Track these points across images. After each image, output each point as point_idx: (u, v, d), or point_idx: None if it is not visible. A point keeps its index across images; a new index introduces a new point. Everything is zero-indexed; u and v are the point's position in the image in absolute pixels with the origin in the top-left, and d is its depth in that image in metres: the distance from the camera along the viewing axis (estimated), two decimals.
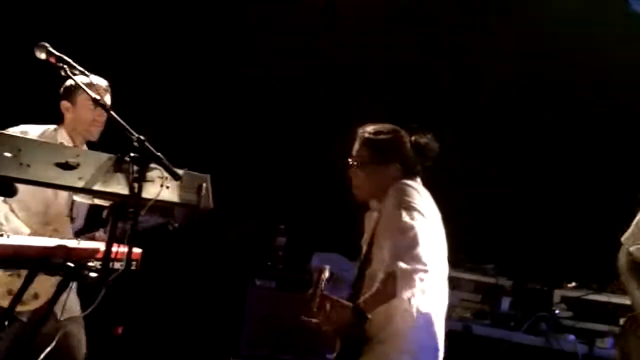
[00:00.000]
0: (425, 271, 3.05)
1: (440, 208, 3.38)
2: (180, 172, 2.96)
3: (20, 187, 3.42)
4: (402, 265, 3.03)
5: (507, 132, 5.85)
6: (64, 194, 3.78)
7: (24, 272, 3.39)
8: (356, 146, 3.46)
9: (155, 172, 2.93)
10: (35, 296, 3.56)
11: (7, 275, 3.54)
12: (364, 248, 3.45)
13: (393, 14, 5.80)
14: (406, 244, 3.08)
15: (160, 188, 2.98)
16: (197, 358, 5.73)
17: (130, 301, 3.00)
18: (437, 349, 3.28)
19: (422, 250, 3.07)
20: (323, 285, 3.28)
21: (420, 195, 3.27)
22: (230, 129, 5.86)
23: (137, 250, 3.16)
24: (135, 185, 2.86)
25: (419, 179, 3.42)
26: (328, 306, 3.18)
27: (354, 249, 3.70)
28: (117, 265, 3.02)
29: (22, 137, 2.71)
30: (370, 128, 3.46)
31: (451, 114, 5.82)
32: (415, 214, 3.16)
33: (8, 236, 2.88)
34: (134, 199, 2.86)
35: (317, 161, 5.68)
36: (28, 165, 2.67)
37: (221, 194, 3.21)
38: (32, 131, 3.72)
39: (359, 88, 5.96)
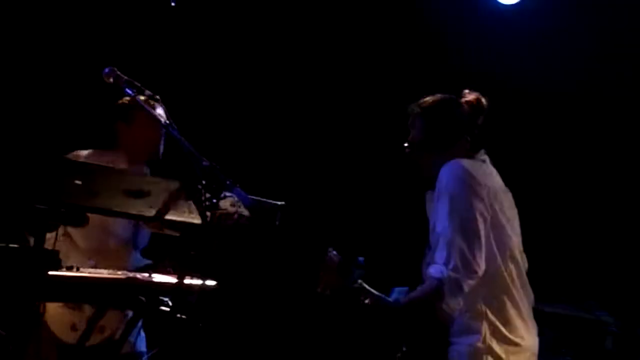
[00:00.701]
0: (473, 276, 2.85)
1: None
2: (253, 199, 2.83)
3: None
4: (450, 273, 2.83)
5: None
6: (121, 222, 3.66)
7: (86, 306, 3.32)
8: (415, 124, 3.16)
9: (228, 200, 2.80)
10: (101, 329, 3.45)
11: (70, 310, 3.45)
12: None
13: None
14: (458, 247, 2.85)
15: (233, 216, 2.84)
16: None
17: (200, 337, 2.86)
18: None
19: (474, 249, 2.86)
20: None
21: (475, 173, 2.97)
22: (307, 155, 5.74)
23: (210, 282, 3.03)
24: (208, 214, 2.74)
25: (481, 152, 3.12)
26: (367, 301, 3.01)
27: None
28: (190, 299, 2.89)
29: (92, 164, 2.63)
30: (427, 102, 3.14)
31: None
32: (467, 201, 2.90)
33: (77, 269, 2.78)
34: (207, 229, 2.74)
35: (397, 192, 5.53)
36: (97, 194, 2.58)
37: (297, 223, 3.07)
38: (85, 156, 3.57)
39: None
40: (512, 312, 2.98)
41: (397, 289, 5.07)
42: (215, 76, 5.55)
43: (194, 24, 5.42)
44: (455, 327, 2.97)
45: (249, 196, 2.81)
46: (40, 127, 4.69)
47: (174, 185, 2.78)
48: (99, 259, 3.54)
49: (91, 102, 4.44)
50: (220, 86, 5.55)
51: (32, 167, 2.39)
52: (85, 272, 2.80)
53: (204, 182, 2.74)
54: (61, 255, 2.96)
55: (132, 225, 3.68)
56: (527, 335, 3.00)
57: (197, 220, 2.77)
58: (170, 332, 2.85)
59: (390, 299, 3.07)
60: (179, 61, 5.35)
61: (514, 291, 3.00)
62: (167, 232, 2.97)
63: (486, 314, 2.94)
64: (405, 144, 3.17)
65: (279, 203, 3.01)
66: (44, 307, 3.34)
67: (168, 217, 2.76)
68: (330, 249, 3.10)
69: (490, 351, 2.91)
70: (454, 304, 2.88)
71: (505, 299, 2.98)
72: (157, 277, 3.03)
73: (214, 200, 2.75)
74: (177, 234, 2.94)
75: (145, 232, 3.78)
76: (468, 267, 2.85)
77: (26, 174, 2.38)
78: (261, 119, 5.64)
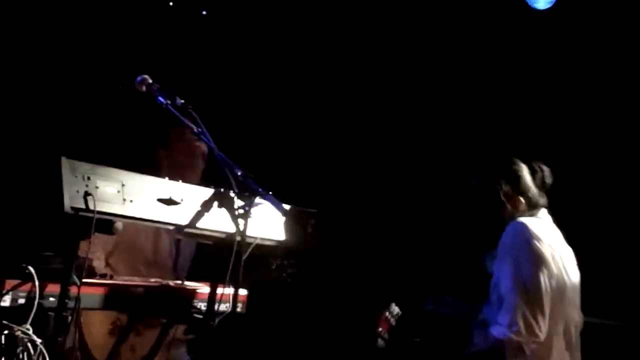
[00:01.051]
0: (536, 340, 2.93)
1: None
2: (286, 207, 2.81)
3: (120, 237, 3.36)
4: (512, 336, 2.91)
5: None
6: (165, 242, 3.68)
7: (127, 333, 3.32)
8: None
9: (261, 208, 2.79)
10: (132, 349, 3.45)
11: (112, 336, 3.46)
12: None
13: None
14: (521, 312, 2.92)
15: (266, 224, 2.83)
16: None
17: (235, 345, 2.85)
18: None
19: (537, 314, 2.93)
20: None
21: (539, 234, 3.03)
22: (340, 163, 5.70)
23: (243, 292, 3.03)
24: (241, 222, 2.73)
25: (542, 211, 3.20)
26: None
27: (471, 290, 3.48)
28: (222, 307, 2.88)
29: (126, 172, 2.62)
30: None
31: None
32: (533, 264, 2.97)
33: (111, 277, 2.79)
34: (240, 236, 2.73)
35: (433, 200, 5.48)
36: (131, 201, 2.59)
37: (331, 234, 3.06)
38: None
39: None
40: None
41: (434, 298, 5.04)
42: (249, 84, 5.55)
43: (225, 33, 5.44)
44: None
45: (282, 204, 2.80)
46: (80, 136, 4.72)
47: (206, 193, 2.78)
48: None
49: (131, 122, 4.44)
50: (255, 94, 5.55)
51: (65, 174, 2.40)
52: (118, 280, 2.81)
53: (237, 190, 2.73)
54: None
55: (172, 250, 3.69)
56: None
57: (230, 229, 2.76)
58: (205, 339, 2.85)
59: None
60: (211, 70, 5.37)
61: (567, 352, 3.07)
62: (200, 240, 2.95)
63: None
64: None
65: (312, 210, 3.00)
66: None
67: (200, 225, 2.76)
68: (391, 305, 3.23)
69: None
70: None
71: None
72: (190, 285, 3.04)
73: (247, 209, 2.73)
74: (210, 242, 2.92)
75: (187, 255, 3.79)
76: (531, 331, 2.92)
77: (59, 182, 2.38)
78: (301, 128, 5.63)
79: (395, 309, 3.27)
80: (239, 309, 2.95)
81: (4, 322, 2.34)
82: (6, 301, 2.36)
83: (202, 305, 2.94)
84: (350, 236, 5.45)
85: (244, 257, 2.70)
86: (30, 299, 2.40)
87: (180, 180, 3.58)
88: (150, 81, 2.90)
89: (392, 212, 5.68)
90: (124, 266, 3.46)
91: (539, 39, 5.45)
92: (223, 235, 2.83)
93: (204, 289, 2.97)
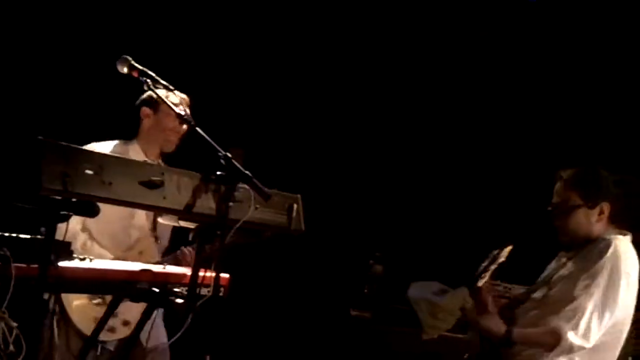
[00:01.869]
0: (584, 348, 3.07)
1: None
2: (269, 191, 2.78)
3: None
4: (571, 337, 3.05)
5: None
6: (141, 214, 3.65)
7: (109, 300, 3.30)
8: (561, 189, 3.32)
9: (243, 192, 2.75)
10: (125, 323, 3.44)
11: (94, 304, 3.44)
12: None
13: None
14: (589, 316, 3.07)
15: (249, 209, 2.80)
16: None
17: (218, 329, 2.82)
18: None
19: (599, 328, 3.08)
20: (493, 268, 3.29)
21: (629, 260, 3.18)
22: (327, 148, 5.67)
23: (224, 275, 2.99)
24: (223, 205, 2.69)
25: (629, 235, 3.28)
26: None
27: (455, 276, 3.48)
28: (204, 291, 2.85)
29: (104, 154, 2.59)
30: (573, 170, 3.35)
31: None
32: (621, 287, 3.12)
33: (91, 260, 2.75)
34: (221, 220, 2.70)
35: (415, 187, 5.47)
36: (110, 184, 2.53)
37: (315, 218, 3.03)
38: (101, 148, 3.52)
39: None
40: None
41: (415, 284, 5.02)
42: (236, 67, 5.51)
43: (220, 22, 5.40)
44: None
45: (266, 188, 2.77)
46: (57, 117, 4.68)
47: (188, 175, 2.74)
48: (123, 251, 3.54)
49: (111, 93, 4.42)
50: (242, 80, 5.51)
51: (43, 156, 2.35)
52: (98, 264, 2.77)
53: (218, 172, 2.70)
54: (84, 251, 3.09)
55: (152, 217, 3.67)
56: None
57: (211, 212, 2.73)
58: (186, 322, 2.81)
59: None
60: (203, 56, 5.33)
61: None
62: (183, 224, 2.91)
63: None
64: (549, 207, 3.34)
65: (296, 196, 2.97)
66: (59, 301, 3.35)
67: (182, 208, 2.72)
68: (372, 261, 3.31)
69: None
70: None
71: None
72: (171, 269, 3.01)
73: (229, 192, 2.70)
74: (192, 226, 2.88)
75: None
76: (587, 338, 3.07)
77: (37, 163, 2.34)
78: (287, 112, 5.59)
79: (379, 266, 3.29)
80: (220, 293, 2.92)
81: None
82: None
83: (184, 289, 2.90)
84: (339, 220, 5.44)
85: (226, 241, 2.69)
86: (6, 281, 2.36)
87: (158, 147, 3.68)
88: (132, 62, 2.86)
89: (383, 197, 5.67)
90: (104, 228, 3.52)
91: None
92: (205, 219, 2.79)
93: (186, 272, 2.94)
